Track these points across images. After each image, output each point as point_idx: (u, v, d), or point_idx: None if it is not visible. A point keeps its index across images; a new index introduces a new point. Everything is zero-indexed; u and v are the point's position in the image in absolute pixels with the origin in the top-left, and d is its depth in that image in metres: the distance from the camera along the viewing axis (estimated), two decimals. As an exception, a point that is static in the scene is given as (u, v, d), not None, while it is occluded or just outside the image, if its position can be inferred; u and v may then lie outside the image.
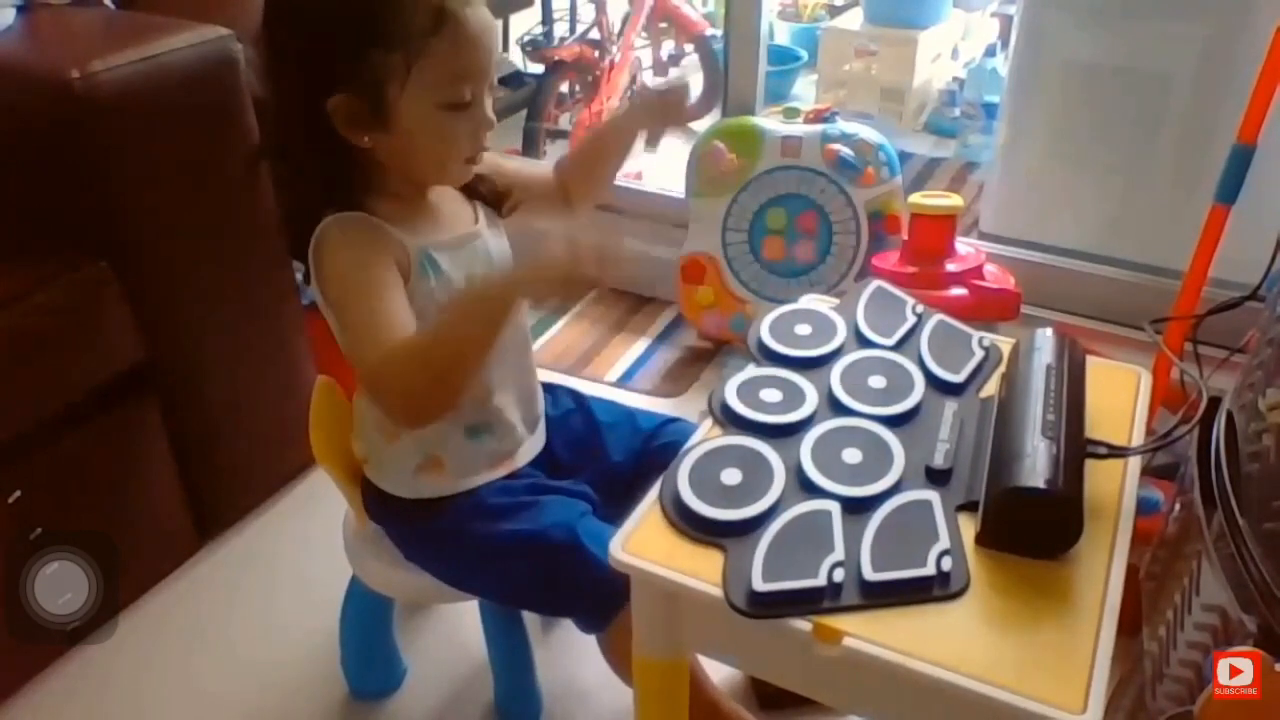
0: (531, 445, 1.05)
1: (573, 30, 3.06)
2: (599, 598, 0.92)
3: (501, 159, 1.05)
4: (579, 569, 0.92)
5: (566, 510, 0.97)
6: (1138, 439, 0.84)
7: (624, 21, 2.88)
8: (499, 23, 0.88)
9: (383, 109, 0.85)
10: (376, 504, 1.04)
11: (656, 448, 1.05)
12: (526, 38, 2.97)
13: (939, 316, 0.97)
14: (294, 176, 0.93)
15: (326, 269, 0.89)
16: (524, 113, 2.67)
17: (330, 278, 0.89)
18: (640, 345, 1.93)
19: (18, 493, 1.14)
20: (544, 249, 0.82)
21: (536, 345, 1.91)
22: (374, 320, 0.85)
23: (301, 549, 1.43)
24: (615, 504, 0.97)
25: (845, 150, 1.68)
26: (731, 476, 0.78)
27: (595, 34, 2.90)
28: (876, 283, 1.02)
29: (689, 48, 3.05)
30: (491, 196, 1.02)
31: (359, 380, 0.91)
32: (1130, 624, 0.78)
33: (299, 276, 1.53)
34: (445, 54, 0.83)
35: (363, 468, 1.05)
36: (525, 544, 0.95)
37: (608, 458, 1.07)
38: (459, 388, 0.86)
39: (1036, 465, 0.71)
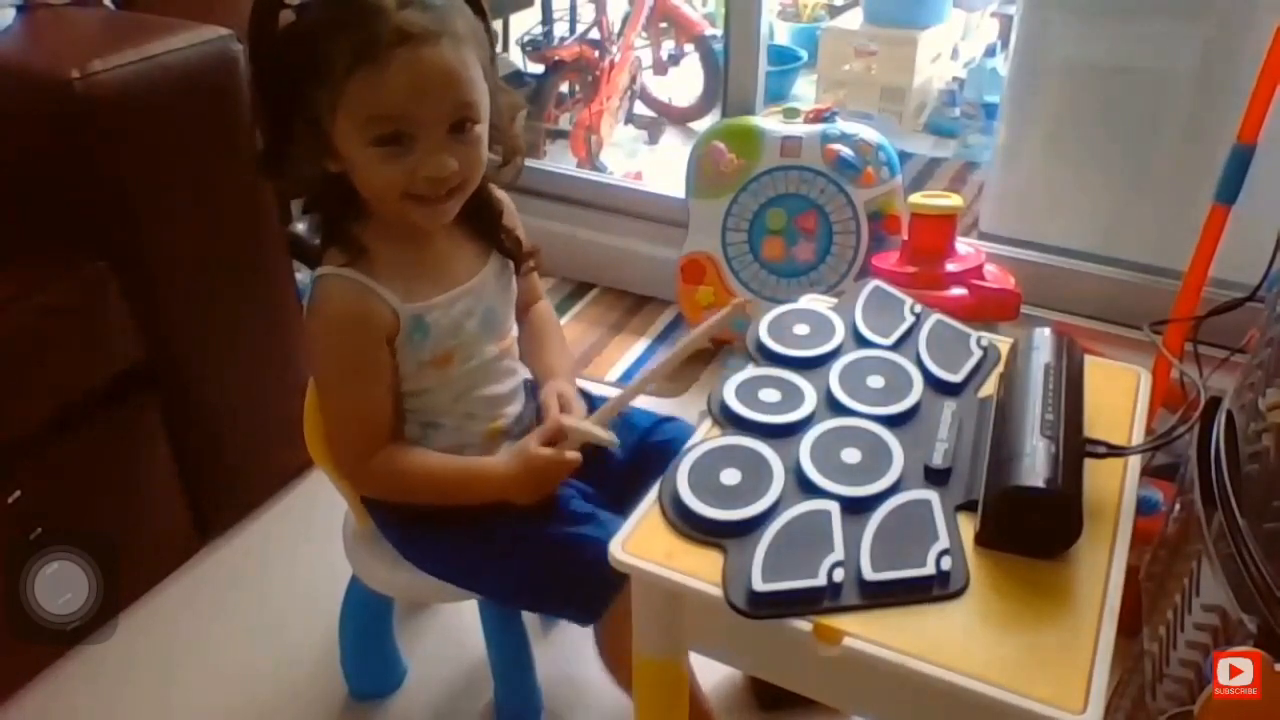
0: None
1: (573, 30, 3.06)
2: (588, 586, 0.93)
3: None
4: (569, 556, 0.94)
5: (554, 498, 0.99)
6: (1137, 439, 0.84)
7: (624, 21, 2.88)
8: (467, 59, 0.90)
9: (325, 141, 0.89)
10: (369, 504, 1.06)
11: (654, 444, 1.05)
12: (526, 38, 2.97)
13: (937, 316, 0.97)
14: (312, 214, 0.98)
15: (316, 331, 0.95)
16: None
17: (318, 344, 0.95)
18: (640, 345, 1.93)
19: (18, 493, 1.14)
20: (528, 458, 0.93)
21: (536, 345, 1.91)
22: (357, 412, 0.95)
23: (301, 549, 1.43)
24: (614, 503, 0.97)
25: (845, 150, 1.68)
26: (731, 477, 0.78)
27: (595, 34, 2.90)
28: (874, 282, 1.02)
29: (689, 47, 3.05)
30: (513, 252, 1.04)
31: (338, 456, 1.00)
32: (1130, 624, 0.78)
33: (300, 277, 1.53)
34: (364, 91, 0.85)
35: None
36: (509, 539, 0.97)
37: (609, 459, 1.07)
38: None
39: (1035, 465, 0.71)
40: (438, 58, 0.85)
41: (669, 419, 1.10)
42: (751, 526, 0.74)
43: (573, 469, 0.95)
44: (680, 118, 3.12)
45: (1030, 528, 0.71)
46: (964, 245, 1.59)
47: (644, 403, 1.12)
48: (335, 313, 0.93)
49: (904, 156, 2.16)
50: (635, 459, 1.04)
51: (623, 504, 0.80)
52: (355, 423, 0.96)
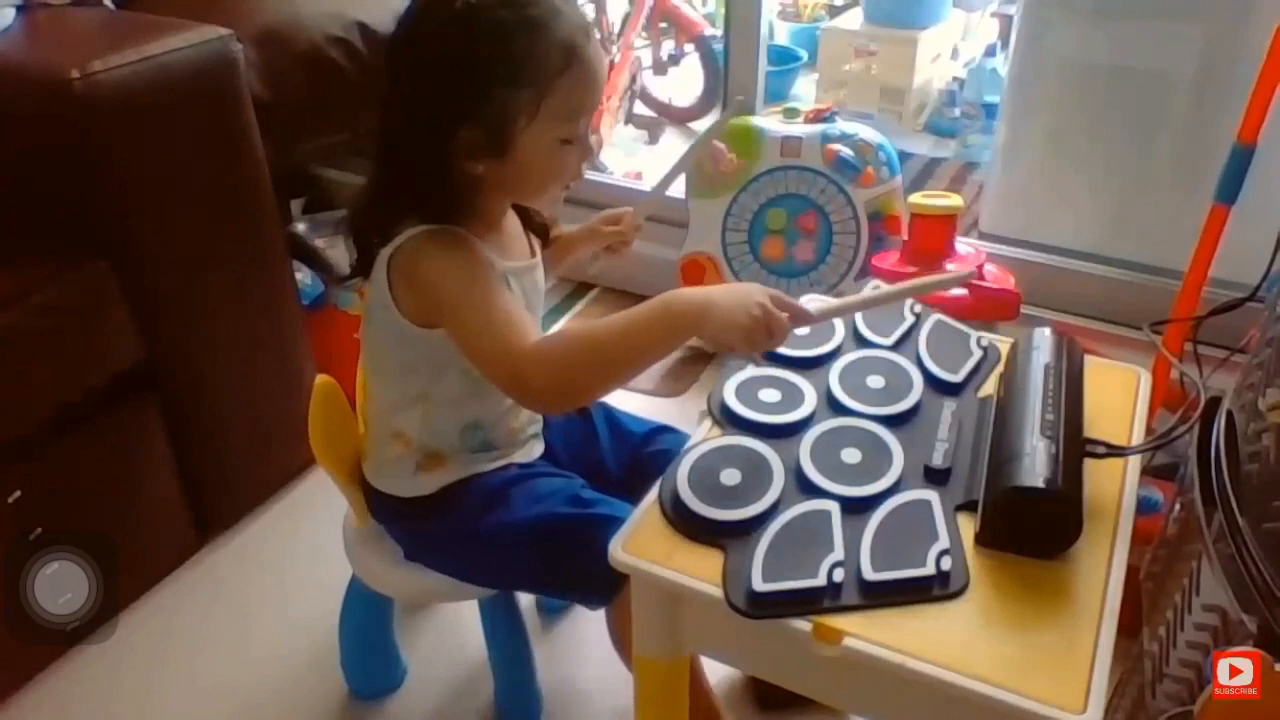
0: (531, 449, 1.05)
1: (573, 30, 3.06)
2: (603, 568, 0.92)
3: None
4: (582, 538, 0.92)
5: (563, 485, 0.99)
6: (1137, 439, 0.84)
7: (624, 21, 2.88)
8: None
9: (504, 142, 0.87)
10: (378, 505, 1.05)
11: (648, 454, 1.05)
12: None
13: (937, 316, 0.97)
14: (390, 193, 0.92)
15: (434, 270, 0.89)
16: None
17: (444, 275, 0.88)
18: (640, 345, 1.92)
19: (18, 493, 1.14)
20: (745, 295, 0.81)
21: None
22: (511, 315, 0.86)
23: (301, 549, 1.43)
24: None
25: (845, 150, 1.68)
26: (731, 477, 0.78)
27: (595, 34, 2.90)
28: (875, 283, 1.03)
29: (689, 47, 3.05)
30: (540, 229, 1.05)
31: (495, 368, 0.86)
32: (1130, 624, 0.78)
33: (300, 276, 1.53)
34: (571, 91, 0.86)
35: (363, 469, 1.05)
36: (526, 524, 0.96)
37: (606, 470, 1.07)
38: (615, 385, 0.88)
39: (1035, 465, 0.71)
40: (600, 49, 0.89)
41: (664, 429, 1.10)
42: (751, 526, 0.74)
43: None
44: (680, 118, 3.12)
45: (1030, 528, 0.71)
46: (964, 245, 1.59)
47: (647, 403, 1.10)
48: (446, 246, 0.89)
49: (904, 156, 2.16)
50: (629, 469, 1.04)
51: None
52: (504, 325, 0.85)
